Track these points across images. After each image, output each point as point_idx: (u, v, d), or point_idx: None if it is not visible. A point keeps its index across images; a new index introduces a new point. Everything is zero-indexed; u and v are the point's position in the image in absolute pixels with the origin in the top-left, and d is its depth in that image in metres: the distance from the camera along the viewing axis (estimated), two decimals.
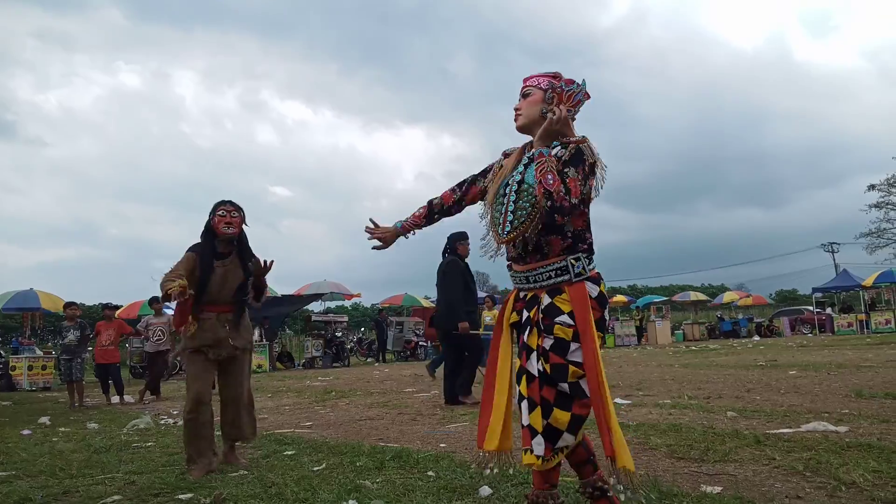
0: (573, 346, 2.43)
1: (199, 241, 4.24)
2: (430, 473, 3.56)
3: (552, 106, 2.58)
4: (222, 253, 4.22)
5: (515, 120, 2.70)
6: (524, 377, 2.51)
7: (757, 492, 2.92)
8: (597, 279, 2.55)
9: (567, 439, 2.45)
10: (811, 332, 27.29)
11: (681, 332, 29.80)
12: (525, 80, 2.72)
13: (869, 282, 27.20)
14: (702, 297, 37.43)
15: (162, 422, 7.01)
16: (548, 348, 2.46)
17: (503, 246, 2.63)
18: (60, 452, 5.14)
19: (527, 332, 2.54)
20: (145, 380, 11.88)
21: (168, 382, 14.32)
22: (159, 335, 10.70)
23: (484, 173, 2.82)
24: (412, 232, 2.92)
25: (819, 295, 30.52)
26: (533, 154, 2.56)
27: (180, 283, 3.82)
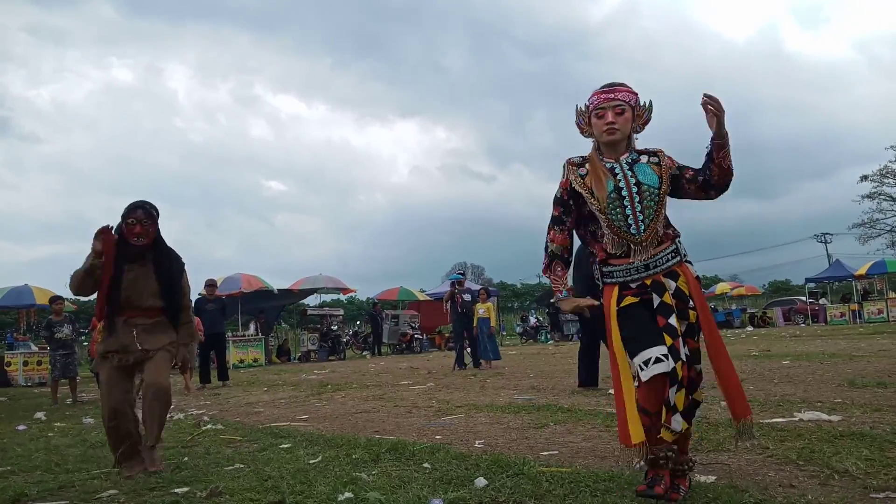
0: (698, 329, 2.78)
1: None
2: (425, 465, 3.57)
3: (636, 123, 2.89)
4: (135, 256, 3.97)
5: (611, 134, 2.83)
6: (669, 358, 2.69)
7: (751, 481, 2.94)
8: (690, 261, 2.90)
9: (695, 415, 2.81)
10: (804, 323, 27.43)
11: None
12: (614, 93, 2.85)
13: (861, 272, 27.34)
14: None
15: None
16: (686, 332, 2.73)
17: (640, 244, 2.80)
18: (56, 447, 5.14)
19: (672, 316, 2.74)
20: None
21: None
22: None
23: (568, 200, 2.92)
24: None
25: (812, 285, 30.66)
26: (631, 158, 2.86)
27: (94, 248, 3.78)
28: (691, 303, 2.78)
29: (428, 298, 26.29)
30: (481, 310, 12.32)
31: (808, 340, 14.55)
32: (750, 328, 26.63)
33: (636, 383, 2.72)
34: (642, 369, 2.66)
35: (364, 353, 23.73)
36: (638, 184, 2.80)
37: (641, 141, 2.97)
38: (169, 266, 4.08)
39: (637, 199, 2.79)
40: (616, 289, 2.85)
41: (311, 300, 26.36)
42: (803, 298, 30.69)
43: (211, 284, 12.34)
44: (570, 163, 2.93)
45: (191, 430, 5.69)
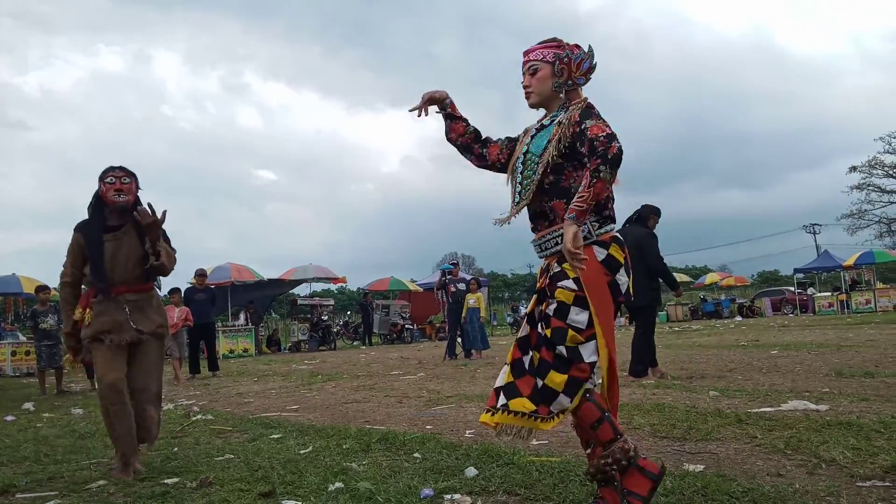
0: (574, 310, 2.42)
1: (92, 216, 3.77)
2: (416, 455, 3.58)
3: (562, 77, 2.58)
4: (113, 226, 3.72)
5: (527, 98, 2.66)
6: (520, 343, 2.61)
7: (739, 470, 2.96)
8: (607, 242, 2.50)
9: (563, 402, 2.40)
10: (793, 313, 27.61)
11: (664, 312, 30.03)
12: (527, 55, 2.66)
13: (850, 262, 27.53)
14: (685, 278, 37.63)
15: None
16: (550, 313, 2.47)
17: (513, 217, 2.67)
18: (45, 438, 5.12)
19: (532, 300, 2.67)
20: None
21: None
22: None
23: (509, 140, 2.82)
24: (446, 111, 2.88)
25: (801, 276, 30.85)
26: (542, 124, 2.64)
27: (78, 314, 3.63)
28: (569, 283, 2.43)
29: (419, 289, 26.30)
30: (471, 300, 12.33)
31: (797, 330, 14.66)
32: (739, 318, 26.79)
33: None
34: None
35: (355, 343, 23.74)
36: (527, 152, 2.63)
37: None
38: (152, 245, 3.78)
39: (520, 169, 2.64)
40: (540, 269, 2.73)
41: (302, 290, 26.31)
42: (792, 289, 30.87)
43: (201, 274, 12.29)
44: (525, 129, 2.80)
45: (180, 421, 5.68)
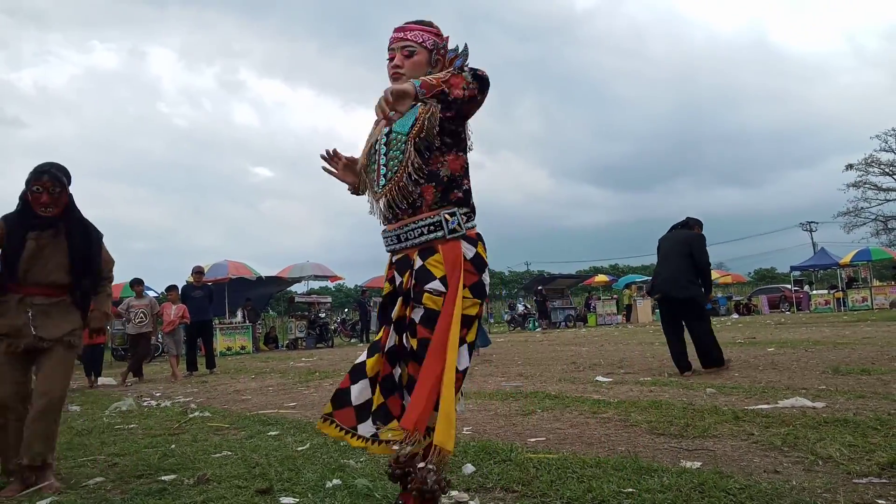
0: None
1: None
2: None
3: (436, 69, 2.35)
4: (40, 224, 3.42)
5: (394, 79, 2.34)
6: (379, 355, 2.35)
7: (736, 466, 2.97)
8: (475, 239, 2.31)
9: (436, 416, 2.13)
10: (789, 310, 27.65)
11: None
12: (403, 32, 2.38)
13: (846, 260, 27.57)
14: None
15: (144, 404, 6.98)
16: (417, 321, 2.22)
17: (380, 203, 2.38)
18: None
19: (397, 303, 2.32)
20: (127, 362, 11.82)
21: (150, 364, 14.24)
22: (141, 317, 10.62)
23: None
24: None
25: (797, 273, 30.89)
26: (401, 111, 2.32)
27: None
28: (436, 285, 2.21)
29: None
30: None
31: (793, 328, 14.68)
32: (735, 316, 26.81)
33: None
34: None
35: (352, 341, 23.73)
36: (390, 132, 2.33)
37: None
38: (84, 237, 3.55)
39: (384, 151, 2.33)
40: (387, 265, 2.44)
41: (299, 287, 26.29)
42: (788, 286, 30.91)
43: (198, 272, 12.29)
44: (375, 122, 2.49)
45: (178, 418, 5.67)
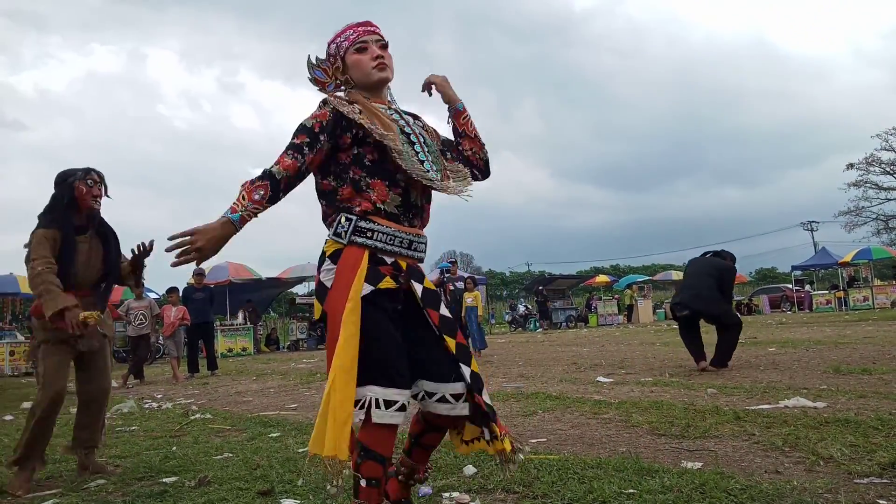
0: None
1: (56, 211, 3.56)
2: None
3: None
4: (81, 227, 3.61)
5: (381, 69, 2.31)
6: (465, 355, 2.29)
7: (737, 467, 2.97)
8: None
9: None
10: (790, 310, 27.63)
11: (662, 310, 30.06)
12: (374, 27, 2.38)
13: (847, 259, 27.57)
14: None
15: (146, 406, 6.98)
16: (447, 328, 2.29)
17: (413, 195, 2.28)
18: None
19: (442, 306, 2.32)
20: (129, 364, 11.84)
21: (152, 366, 14.25)
22: (141, 319, 10.63)
23: (319, 134, 2.19)
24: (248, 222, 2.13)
25: (798, 273, 30.88)
26: (395, 110, 2.37)
27: (84, 314, 3.34)
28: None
29: None
30: (469, 298, 12.32)
31: (794, 328, 14.67)
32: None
33: (357, 418, 2.10)
34: (377, 406, 2.08)
35: None
36: (424, 132, 2.38)
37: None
38: (114, 238, 3.74)
39: (426, 148, 2.32)
40: (366, 254, 2.18)
41: (300, 289, 26.32)
42: (790, 286, 30.90)
43: (199, 273, 12.29)
44: (336, 97, 2.30)
45: (179, 420, 5.68)
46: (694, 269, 7.59)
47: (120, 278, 3.80)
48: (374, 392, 2.08)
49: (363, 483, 2.08)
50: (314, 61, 2.38)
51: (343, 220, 2.19)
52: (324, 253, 2.24)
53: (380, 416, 2.07)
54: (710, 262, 7.54)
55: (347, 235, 2.18)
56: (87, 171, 3.59)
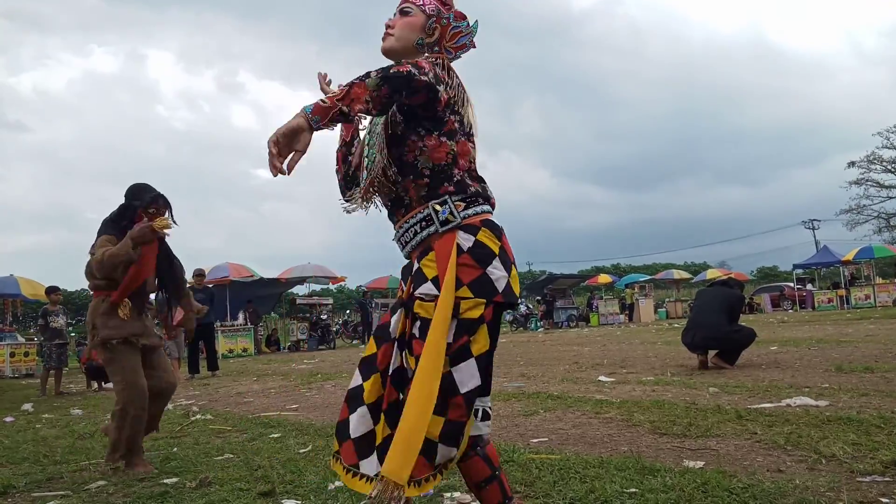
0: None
1: (115, 222, 3.84)
2: None
3: (431, 38, 2.06)
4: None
5: (383, 39, 2.06)
6: (377, 376, 1.93)
7: (739, 466, 2.96)
8: (476, 226, 1.91)
9: (445, 452, 1.80)
10: (792, 309, 27.62)
11: (664, 309, 30.06)
12: None
13: (849, 257, 27.53)
14: (685, 275, 37.68)
15: None
16: (416, 334, 1.86)
17: (364, 202, 2.09)
18: (44, 439, 5.11)
19: (398, 315, 1.95)
20: None
21: None
22: None
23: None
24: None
25: (800, 271, 30.86)
26: None
27: (154, 224, 3.57)
28: (427, 287, 1.87)
29: None
30: None
31: (796, 326, 14.66)
32: None
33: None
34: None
35: (354, 342, 23.73)
36: (371, 121, 2.11)
37: None
38: (167, 248, 4.00)
39: (367, 141, 2.09)
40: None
41: (301, 289, 26.33)
42: (791, 284, 30.88)
43: (199, 274, 12.29)
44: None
45: (180, 421, 5.67)
46: (704, 302, 7.68)
47: (169, 287, 4.10)
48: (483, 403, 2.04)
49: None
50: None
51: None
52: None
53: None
54: (720, 294, 7.63)
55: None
56: (153, 200, 3.78)
